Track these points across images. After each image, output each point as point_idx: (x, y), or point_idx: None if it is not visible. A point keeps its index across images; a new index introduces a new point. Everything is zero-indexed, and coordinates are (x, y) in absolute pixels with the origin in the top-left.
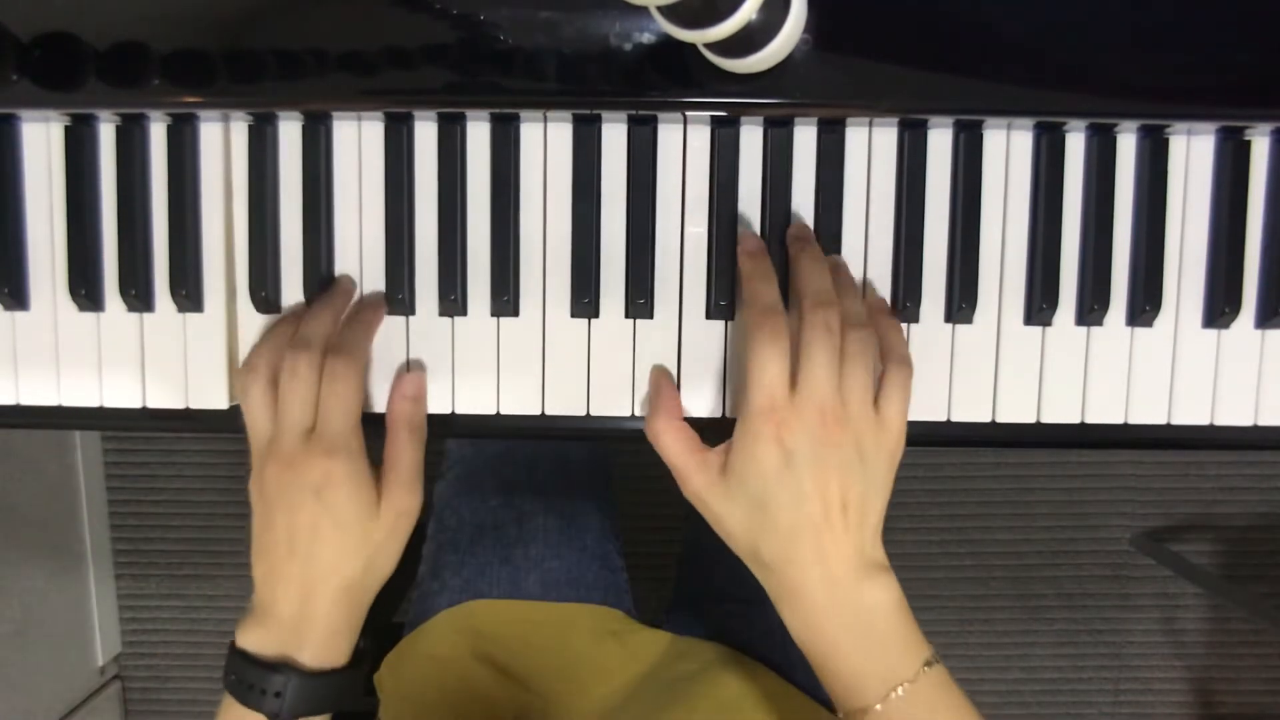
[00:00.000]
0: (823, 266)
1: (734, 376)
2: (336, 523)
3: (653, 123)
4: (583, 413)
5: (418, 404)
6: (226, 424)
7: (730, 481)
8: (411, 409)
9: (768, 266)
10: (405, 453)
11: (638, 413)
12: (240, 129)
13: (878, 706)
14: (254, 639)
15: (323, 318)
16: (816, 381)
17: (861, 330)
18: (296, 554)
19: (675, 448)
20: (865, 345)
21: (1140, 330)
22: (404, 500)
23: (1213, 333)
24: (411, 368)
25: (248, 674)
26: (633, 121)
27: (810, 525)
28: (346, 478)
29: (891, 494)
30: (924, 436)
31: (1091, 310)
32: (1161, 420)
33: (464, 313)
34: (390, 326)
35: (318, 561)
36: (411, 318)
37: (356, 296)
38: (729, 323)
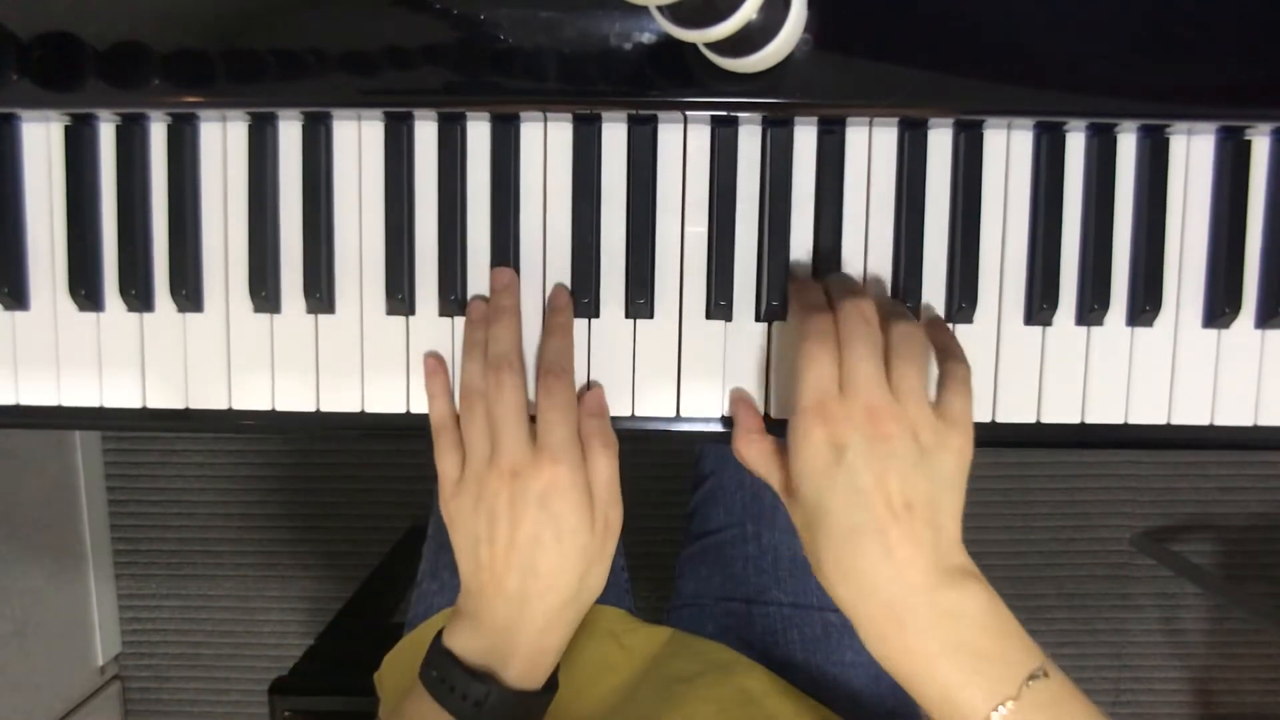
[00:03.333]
0: (852, 279)
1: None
2: (558, 533)
3: (653, 123)
4: None
5: (603, 419)
6: (226, 424)
7: (796, 493)
8: (599, 425)
9: (812, 282)
10: (602, 467)
11: (638, 412)
12: (240, 129)
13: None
14: (462, 642)
15: (507, 324)
16: (862, 375)
17: (905, 323)
18: (515, 566)
19: (758, 461)
20: (911, 340)
21: (1140, 330)
22: (611, 514)
23: (1213, 333)
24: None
25: (451, 675)
26: (633, 121)
27: (873, 526)
28: (571, 485)
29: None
30: None
31: (1091, 310)
32: (1161, 420)
33: (464, 313)
34: (391, 327)
35: (538, 575)
36: (411, 318)
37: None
38: (728, 323)
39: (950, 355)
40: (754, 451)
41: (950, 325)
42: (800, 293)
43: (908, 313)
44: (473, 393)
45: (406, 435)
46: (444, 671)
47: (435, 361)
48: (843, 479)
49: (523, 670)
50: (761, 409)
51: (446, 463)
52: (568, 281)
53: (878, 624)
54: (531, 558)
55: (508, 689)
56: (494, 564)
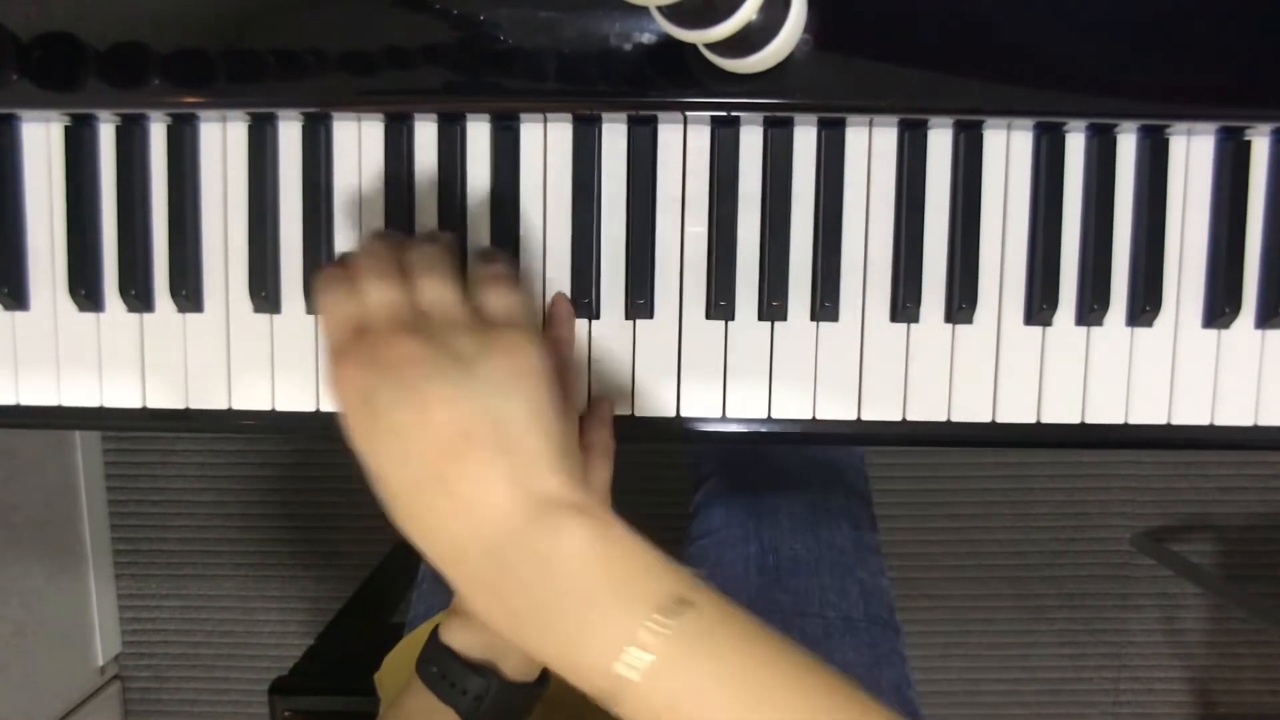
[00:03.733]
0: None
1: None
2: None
3: (653, 123)
4: (583, 413)
5: (609, 428)
6: (226, 424)
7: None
8: (608, 436)
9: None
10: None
11: (638, 413)
12: (240, 129)
13: (630, 676)
14: (462, 638)
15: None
16: (373, 303)
17: (421, 243)
18: None
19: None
20: (425, 254)
21: (1140, 330)
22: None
23: (1213, 333)
24: None
25: (452, 670)
26: (633, 121)
27: (429, 472)
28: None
29: (881, 489)
30: (924, 436)
31: (1091, 310)
32: (1161, 420)
33: None
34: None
35: None
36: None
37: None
38: (729, 322)
39: (480, 258)
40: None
41: (946, 323)
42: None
43: (438, 237)
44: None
45: None
46: (444, 667)
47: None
48: (384, 429)
49: (520, 663)
50: (766, 410)
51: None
52: (568, 281)
53: (474, 591)
54: None
55: (508, 682)
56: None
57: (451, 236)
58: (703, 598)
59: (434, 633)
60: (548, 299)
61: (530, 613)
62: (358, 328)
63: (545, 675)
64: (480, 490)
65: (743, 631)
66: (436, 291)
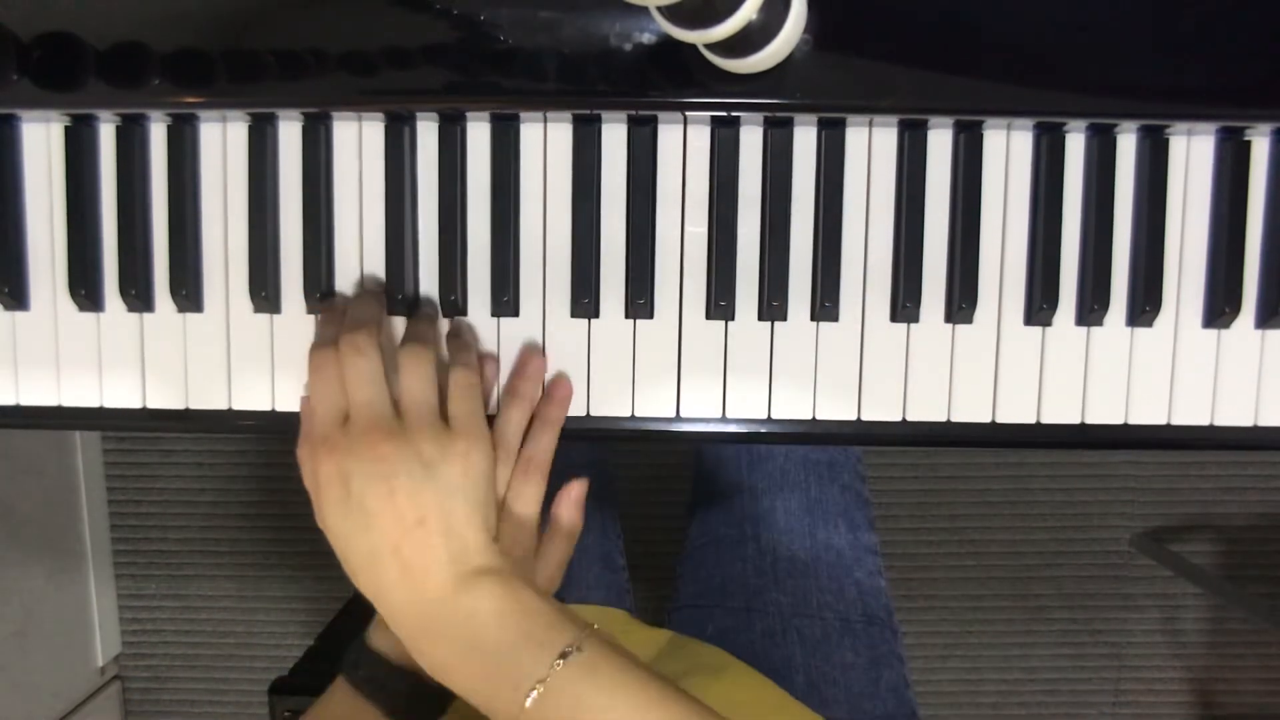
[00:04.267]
0: (366, 305)
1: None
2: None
3: (653, 123)
4: (583, 413)
5: (578, 509)
6: (226, 424)
7: (320, 520)
8: (575, 516)
9: (333, 311)
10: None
11: (638, 413)
12: (240, 129)
13: (531, 710)
14: (387, 641)
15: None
16: (358, 402)
17: (410, 345)
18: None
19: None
20: (411, 357)
21: (1140, 330)
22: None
23: (1213, 333)
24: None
25: (377, 672)
26: (633, 121)
27: (387, 546)
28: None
29: (880, 489)
30: (924, 436)
31: (1091, 310)
32: (1161, 420)
33: (464, 313)
34: (391, 327)
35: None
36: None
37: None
38: (729, 322)
39: (455, 364)
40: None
41: (946, 323)
42: (319, 326)
43: (425, 331)
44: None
45: None
46: (371, 670)
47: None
48: (354, 505)
49: None
50: (766, 410)
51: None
52: (568, 281)
53: (415, 641)
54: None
55: (426, 682)
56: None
57: (434, 329)
58: (593, 640)
59: (359, 641)
60: (547, 299)
61: (455, 660)
62: (342, 417)
63: None
64: (426, 563)
65: (621, 668)
66: (416, 395)
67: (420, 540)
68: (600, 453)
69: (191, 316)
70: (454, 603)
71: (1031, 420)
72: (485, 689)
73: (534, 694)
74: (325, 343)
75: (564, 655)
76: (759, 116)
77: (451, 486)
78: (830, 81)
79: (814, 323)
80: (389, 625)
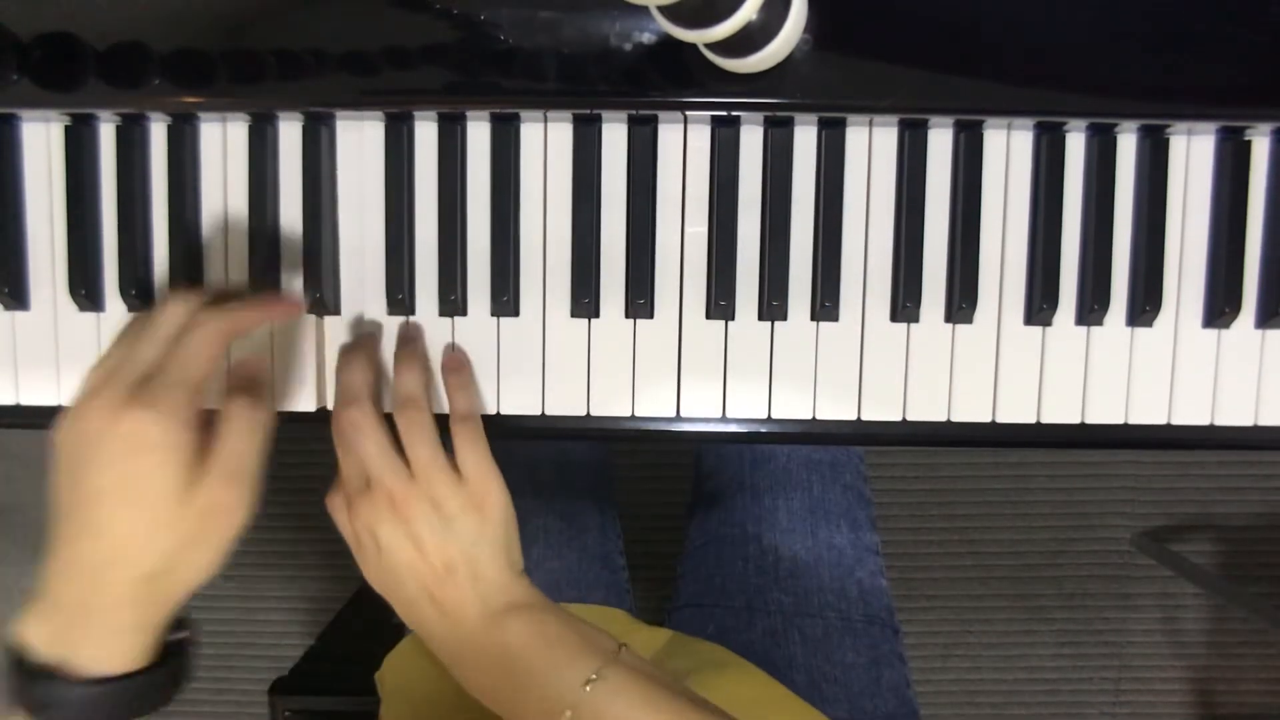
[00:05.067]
0: (358, 363)
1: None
2: (130, 495)
3: (653, 123)
4: (583, 413)
5: (257, 395)
6: None
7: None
8: (249, 398)
9: (356, 367)
10: (232, 439)
11: (638, 413)
12: (240, 129)
13: None
14: (34, 629)
15: (249, 303)
16: (375, 470)
17: (408, 411)
18: (88, 525)
19: (365, 446)
20: (411, 423)
21: (1140, 330)
22: (220, 493)
23: (1213, 333)
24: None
25: (19, 674)
26: (633, 121)
27: (423, 593)
28: (160, 444)
29: (880, 489)
30: (924, 436)
31: (1091, 310)
32: (1161, 420)
33: (464, 313)
34: (390, 327)
35: (105, 539)
36: (411, 318)
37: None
38: (729, 322)
39: (455, 414)
40: (360, 437)
41: (946, 323)
42: (340, 378)
43: (416, 398)
44: (136, 319)
45: None
46: (16, 671)
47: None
48: (387, 562)
49: (97, 653)
50: (766, 410)
51: (88, 379)
52: (568, 281)
53: (458, 668)
54: (101, 516)
55: (80, 679)
56: (71, 514)
57: (420, 376)
58: (616, 667)
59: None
60: (547, 299)
61: (493, 687)
62: (365, 480)
63: (166, 658)
64: (458, 606)
65: (648, 691)
66: (424, 458)
67: (451, 587)
68: (600, 452)
69: None
70: (487, 638)
71: (1031, 420)
72: (516, 712)
73: (566, 716)
74: (343, 404)
75: (590, 681)
76: (759, 116)
77: (473, 535)
78: (830, 81)
79: (814, 323)
80: (435, 653)
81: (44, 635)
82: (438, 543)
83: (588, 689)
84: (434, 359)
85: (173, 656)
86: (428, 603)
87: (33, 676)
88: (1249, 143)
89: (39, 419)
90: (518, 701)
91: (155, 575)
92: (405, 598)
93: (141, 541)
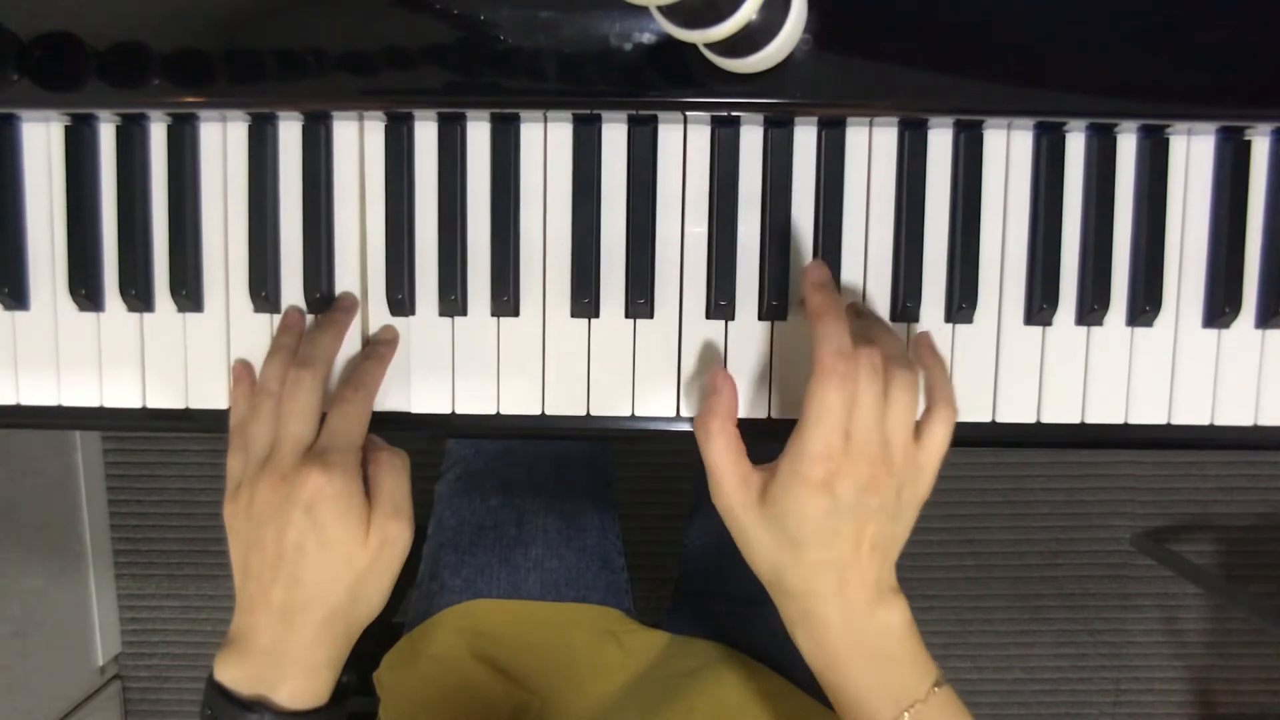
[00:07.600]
0: (844, 311)
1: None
2: (322, 542)
3: (653, 123)
4: (583, 413)
5: (388, 447)
6: (227, 424)
7: (768, 510)
8: (390, 448)
9: (838, 302)
10: (385, 479)
11: (638, 413)
12: (240, 129)
13: None
14: (231, 673)
15: (329, 335)
16: (865, 430)
17: (906, 372)
18: (280, 577)
19: (724, 455)
20: (908, 388)
21: (1140, 330)
22: (390, 527)
23: (1213, 333)
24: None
25: (224, 711)
26: (633, 121)
27: (837, 563)
28: (339, 493)
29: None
30: None
31: (1091, 310)
32: (1161, 420)
33: (464, 313)
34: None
35: (301, 586)
36: (411, 318)
37: (358, 312)
38: (729, 322)
39: (938, 395)
40: (723, 443)
41: (946, 323)
42: (825, 318)
43: (902, 349)
44: (265, 393)
45: (407, 435)
46: (216, 708)
47: (241, 368)
48: (829, 523)
49: (295, 690)
50: (766, 410)
51: (233, 464)
52: (568, 281)
53: (815, 634)
54: (296, 566)
55: (283, 712)
56: (261, 573)
57: (923, 358)
58: (946, 681)
59: (209, 677)
60: (547, 299)
61: (848, 661)
62: (846, 433)
63: (340, 695)
64: (859, 582)
65: (967, 714)
66: (904, 432)
67: (864, 563)
68: (600, 453)
69: (191, 316)
70: (871, 615)
71: (1031, 420)
72: (869, 696)
73: (909, 712)
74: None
75: (938, 685)
76: (759, 116)
77: (908, 523)
78: (830, 81)
79: None
80: (784, 603)
81: (241, 678)
82: (881, 524)
83: (936, 691)
84: (434, 359)
85: (343, 693)
86: (835, 572)
87: (246, 707)
88: (1249, 143)
89: (39, 419)
90: (872, 686)
91: (340, 610)
92: (818, 560)
93: (331, 581)
